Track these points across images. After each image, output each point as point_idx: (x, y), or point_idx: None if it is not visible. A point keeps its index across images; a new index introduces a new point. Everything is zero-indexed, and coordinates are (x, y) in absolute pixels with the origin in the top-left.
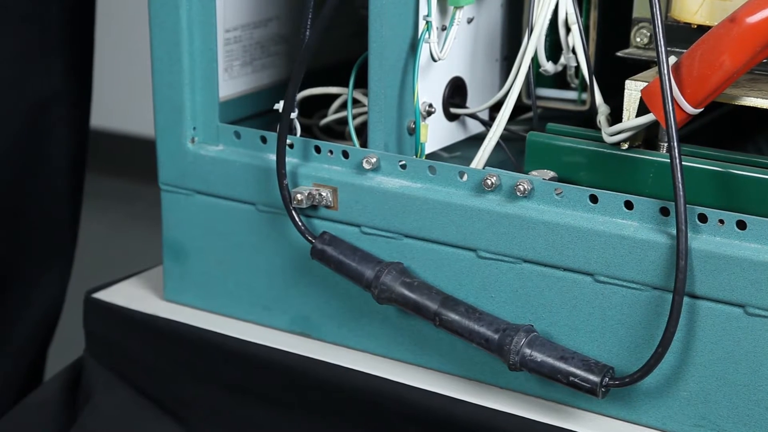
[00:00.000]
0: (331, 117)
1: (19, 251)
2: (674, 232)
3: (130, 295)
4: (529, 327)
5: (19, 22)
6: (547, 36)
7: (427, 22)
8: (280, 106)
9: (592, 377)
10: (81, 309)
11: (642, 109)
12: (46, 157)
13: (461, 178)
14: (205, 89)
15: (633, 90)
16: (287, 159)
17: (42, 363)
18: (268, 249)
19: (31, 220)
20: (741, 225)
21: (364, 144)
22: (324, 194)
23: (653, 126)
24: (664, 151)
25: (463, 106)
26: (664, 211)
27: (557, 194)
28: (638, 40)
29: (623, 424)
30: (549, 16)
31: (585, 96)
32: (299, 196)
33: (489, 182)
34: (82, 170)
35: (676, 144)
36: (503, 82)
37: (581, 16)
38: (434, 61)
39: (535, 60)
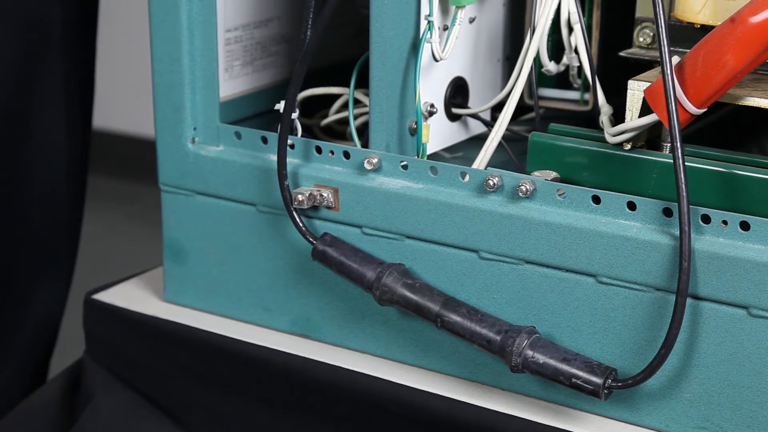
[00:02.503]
0: (332, 117)
1: (18, 256)
2: (677, 233)
3: (130, 296)
4: (531, 328)
5: (21, 24)
6: (549, 36)
7: (429, 22)
8: (280, 106)
9: (594, 379)
10: (81, 310)
11: (645, 110)
12: (45, 160)
13: (463, 178)
14: (206, 89)
15: (636, 90)
16: (288, 159)
17: (45, 369)
18: (268, 250)
19: (30, 224)
20: (744, 226)
21: (365, 144)
22: (325, 195)
23: (656, 126)
24: (667, 151)
25: (464, 106)
26: (667, 212)
27: (559, 195)
28: (641, 39)
29: (626, 426)
30: (551, 15)
31: (587, 96)
32: (300, 197)
33: (491, 183)
34: (83, 174)
35: (679, 144)
36: (505, 82)
37: (584, 15)
38: (436, 61)
39: (537, 60)
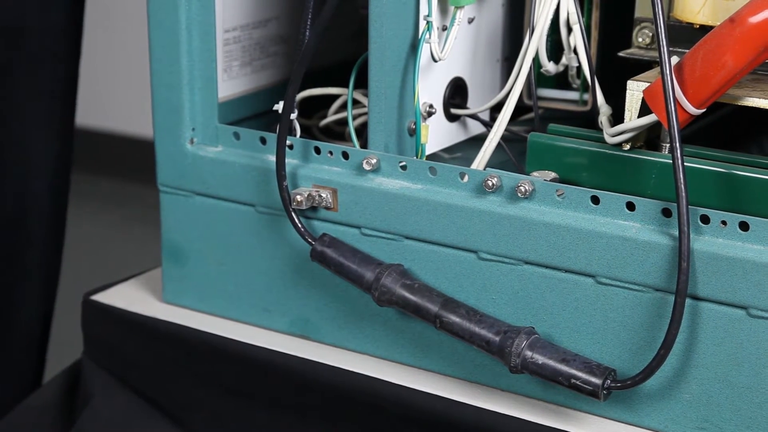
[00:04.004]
0: (331, 118)
1: (2, 262)
2: (676, 233)
3: (129, 297)
4: (530, 329)
5: (4, 29)
6: (548, 36)
7: (428, 22)
8: (279, 106)
9: (593, 379)
10: (79, 311)
11: (644, 110)
12: (28, 164)
13: (462, 179)
14: (204, 90)
15: (635, 90)
16: (287, 160)
17: (39, 372)
18: (267, 251)
19: (14, 228)
20: (744, 226)
21: (364, 145)
22: (324, 195)
23: (655, 126)
24: (666, 151)
25: (463, 106)
26: (666, 213)
27: (558, 195)
28: (640, 40)
29: (625, 426)
30: (550, 16)
31: (586, 96)
32: (299, 198)
33: (490, 183)
34: (66, 177)
35: (678, 145)
36: (504, 83)
37: (583, 15)
38: (435, 61)
39: (536, 60)
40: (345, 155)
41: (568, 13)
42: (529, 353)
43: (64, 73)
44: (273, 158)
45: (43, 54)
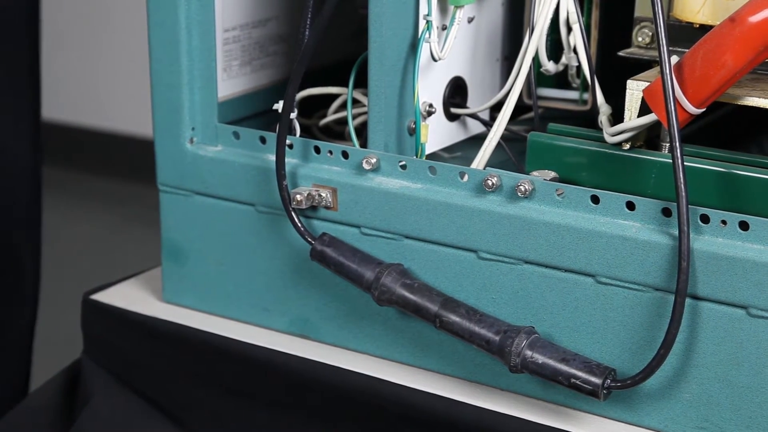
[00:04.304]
0: (330, 117)
1: None
2: (676, 233)
3: (129, 296)
4: (530, 329)
5: None
6: (548, 35)
7: (428, 22)
8: (279, 106)
9: (593, 379)
10: (79, 310)
11: (644, 109)
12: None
13: (462, 178)
14: (204, 89)
15: (635, 90)
16: (287, 159)
17: (26, 377)
18: (267, 250)
19: None
20: (743, 226)
21: (363, 144)
22: (324, 195)
23: (655, 126)
24: (666, 151)
25: (463, 106)
26: (666, 212)
27: (558, 195)
28: (640, 39)
29: (625, 426)
30: (550, 15)
31: (586, 96)
32: (299, 197)
33: (490, 183)
34: (38, 169)
35: (678, 144)
36: (504, 82)
37: (583, 15)
38: (434, 60)
39: (536, 59)
40: (345, 155)
41: (567, 13)
42: (528, 353)
43: (28, 67)
44: (273, 158)
45: (3, 48)
